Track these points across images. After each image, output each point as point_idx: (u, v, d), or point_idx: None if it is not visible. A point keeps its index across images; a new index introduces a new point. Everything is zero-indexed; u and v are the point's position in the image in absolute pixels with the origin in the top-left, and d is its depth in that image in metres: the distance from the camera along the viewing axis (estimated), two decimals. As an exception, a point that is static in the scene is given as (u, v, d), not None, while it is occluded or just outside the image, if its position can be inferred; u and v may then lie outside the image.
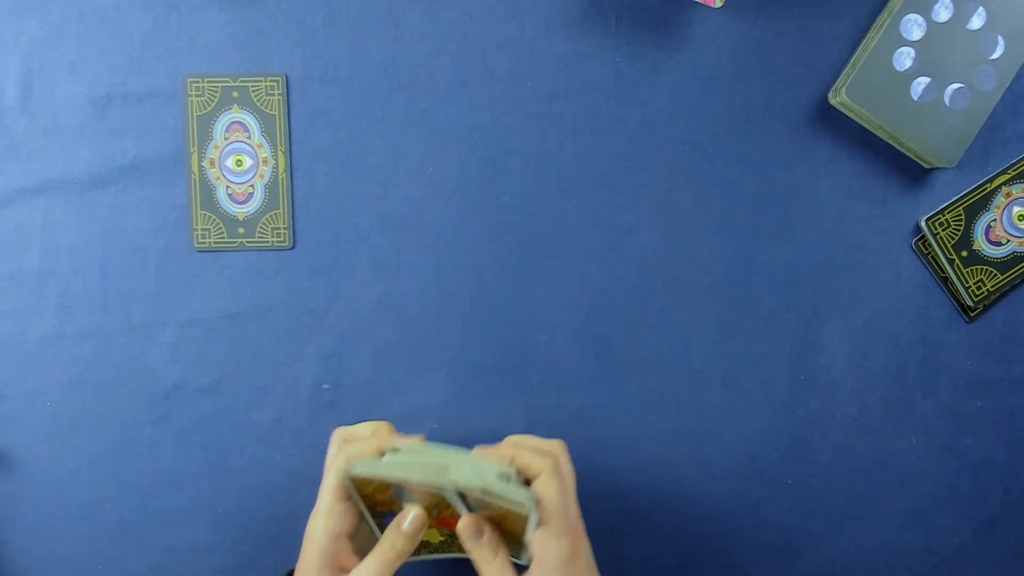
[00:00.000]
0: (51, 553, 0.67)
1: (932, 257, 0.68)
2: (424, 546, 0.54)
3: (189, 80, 0.65)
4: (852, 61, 0.66)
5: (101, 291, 0.66)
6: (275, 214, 0.66)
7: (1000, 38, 0.64)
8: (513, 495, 0.47)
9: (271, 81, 0.65)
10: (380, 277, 0.67)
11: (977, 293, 0.68)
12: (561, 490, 0.51)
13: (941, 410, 0.69)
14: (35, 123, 0.65)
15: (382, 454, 0.51)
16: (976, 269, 0.67)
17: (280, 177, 0.66)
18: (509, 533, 0.52)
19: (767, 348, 0.68)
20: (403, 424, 0.68)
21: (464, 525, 0.49)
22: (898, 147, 0.67)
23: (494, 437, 0.68)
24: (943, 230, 0.67)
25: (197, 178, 0.66)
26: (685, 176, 0.67)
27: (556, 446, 0.56)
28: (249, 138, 0.66)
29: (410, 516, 0.49)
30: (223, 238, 0.66)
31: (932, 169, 0.68)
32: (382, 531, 0.51)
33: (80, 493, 0.67)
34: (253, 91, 0.66)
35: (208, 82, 0.65)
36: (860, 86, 0.64)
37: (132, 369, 0.67)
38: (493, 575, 0.49)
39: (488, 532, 0.50)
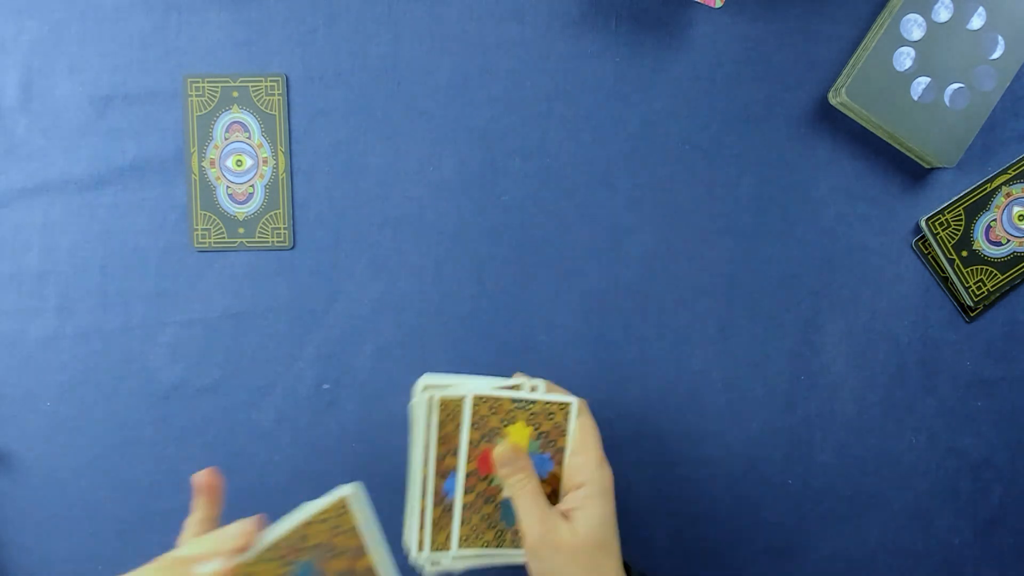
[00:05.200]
0: (51, 553, 0.67)
1: (932, 257, 0.68)
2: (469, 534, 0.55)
3: (189, 80, 0.65)
4: (852, 61, 0.66)
5: (101, 291, 0.66)
6: (275, 214, 0.66)
7: (1000, 38, 0.64)
8: (556, 396, 0.54)
9: (271, 81, 0.65)
10: (380, 277, 0.67)
11: (977, 293, 0.68)
12: (595, 428, 0.54)
13: (941, 410, 0.69)
14: (35, 123, 0.65)
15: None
16: (976, 269, 0.67)
17: (280, 177, 0.66)
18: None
19: (767, 348, 0.68)
20: (403, 424, 0.68)
21: (502, 451, 0.52)
22: (898, 147, 0.67)
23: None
24: (943, 230, 0.67)
25: (197, 178, 0.66)
26: (685, 176, 0.67)
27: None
28: (249, 138, 0.66)
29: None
30: (223, 238, 0.66)
31: (932, 169, 0.68)
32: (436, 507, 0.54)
33: (80, 493, 0.67)
34: (253, 91, 0.66)
35: (208, 82, 0.65)
36: (860, 86, 0.64)
37: (132, 369, 0.67)
38: (531, 496, 0.51)
39: (525, 457, 0.52)
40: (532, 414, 0.54)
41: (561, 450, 0.54)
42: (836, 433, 0.69)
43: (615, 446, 0.68)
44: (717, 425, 0.68)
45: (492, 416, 0.53)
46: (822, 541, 0.69)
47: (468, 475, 0.53)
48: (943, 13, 0.63)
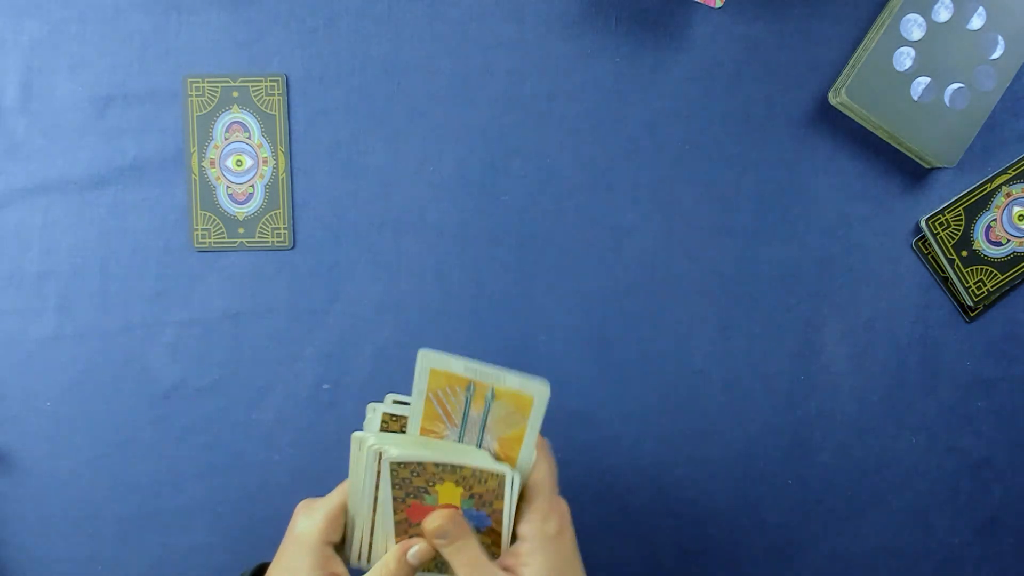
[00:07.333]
0: (51, 553, 0.67)
1: (932, 257, 0.68)
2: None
3: (189, 80, 0.65)
4: (852, 61, 0.66)
5: (101, 291, 0.66)
6: (275, 214, 0.66)
7: (1000, 38, 0.64)
8: (491, 464, 0.48)
9: (271, 81, 0.65)
10: (380, 277, 0.67)
11: (977, 293, 0.68)
12: (548, 470, 0.50)
13: (941, 410, 0.69)
14: (35, 123, 0.65)
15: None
16: (976, 269, 0.68)
17: (280, 177, 0.66)
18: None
19: (767, 348, 0.68)
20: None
21: (437, 527, 0.48)
22: (898, 147, 0.67)
23: (494, 437, 0.68)
24: (943, 230, 0.67)
25: (197, 178, 0.66)
26: (685, 176, 0.67)
27: None
28: (249, 138, 0.66)
29: (414, 549, 0.49)
30: (223, 238, 0.66)
31: (932, 169, 0.68)
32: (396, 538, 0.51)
33: (80, 493, 0.67)
34: (253, 91, 0.66)
35: (208, 82, 0.65)
36: (860, 86, 0.64)
37: (132, 369, 0.67)
38: (471, 566, 0.47)
39: (460, 526, 0.48)
40: (462, 476, 0.49)
41: (499, 511, 0.50)
42: (836, 433, 0.69)
43: (615, 446, 0.68)
44: (717, 425, 0.68)
45: (416, 478, 0.49)
46: (822, 541, 0.69)
47: (398, 523, 0.49)
48: (943, 13, 0.63)
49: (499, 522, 0.50)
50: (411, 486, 0.49)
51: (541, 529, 0.48)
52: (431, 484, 0.49)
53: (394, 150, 0.66)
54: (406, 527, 0.50)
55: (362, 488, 0.49)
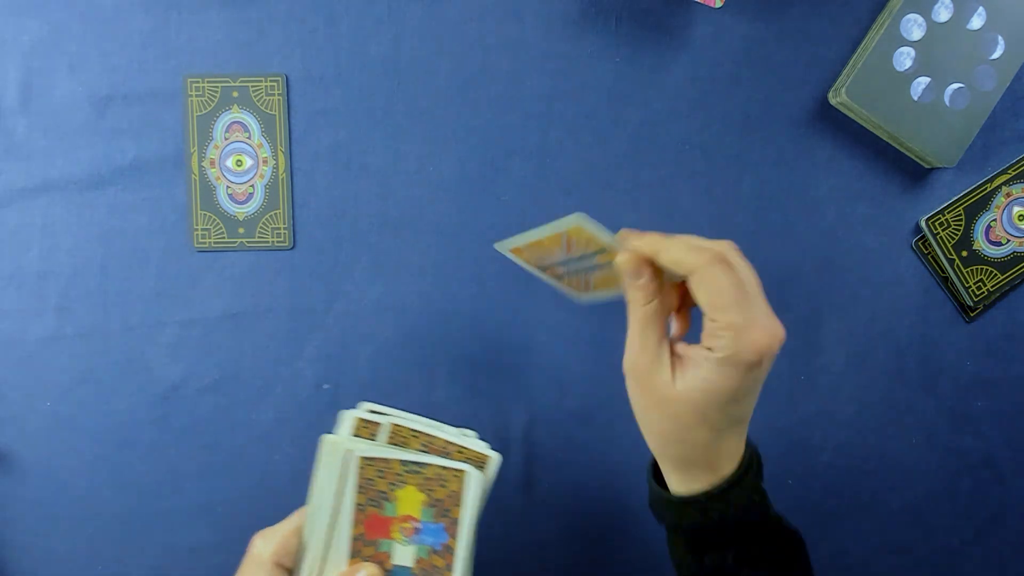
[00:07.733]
0: (51, 553, 0.67)
1: (932, 257, 0.68)
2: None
3: (189, 80, 0.65)
4: (852, 61, 0.66)
5: (101, 291, 0.66)
6: (275, 214, 0.66)
7: (1000, 38, 0.64)
8: (450, 461, 0.49)
9: (271, 81, 0.65)
10: (380, 277, 0.67)
11: (977, 293, 0.68)
12: (733, 281, 0.42)
13: (941, 410, 0.69)
14: (35, 123, 0.65)
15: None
16: (976, 269, 0.68)
17: (280, 177, 0.66)
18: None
19: (767, 348, 0.68)
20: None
21: (625, 260, 0.45)
22: (898, 147, 0.67)
23: (495, 436, 0.68)
24: (943, 230, 0.67)
25: (197, 178, 0.66)
26: (685, 176, 0.67)
27: (722, 244, 0.45)
28: (249, 138, 0.66)
29: (362, 573, 0.50)
30: (223, 238, 0.66)
31: (932, 169, 0.68)
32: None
33: (80, 493, 0.67)
34: (253, 91, 0.66)
35: (208, 82, 0.65)
36: (860, 86, 0.64)
37: (132, 369, 0.67)
38: (639, 319, 0.45)
39: (648, 276, 0.45)
40: (425, 479, 0.50)
41: (455, 521, 0.50)
42: (836, 433, 0.69)
43: (615, 446, 0.68)
44: (717, 425, 0.68)
45: (380, 479, 0.50)
46: (822, 541, 0.69)
47: (354, 539, 0.50)
48: (943, 13, 0.63)
49: (455, 536, 0.50)
50: (374, 489, 0.50)
51: (732, 343, 0.42)
52: (393, 488, 0.50)
53: (394, 150, 0.66)
54: (360, 546, 0.51)
55: (324, 493, 0.50)
